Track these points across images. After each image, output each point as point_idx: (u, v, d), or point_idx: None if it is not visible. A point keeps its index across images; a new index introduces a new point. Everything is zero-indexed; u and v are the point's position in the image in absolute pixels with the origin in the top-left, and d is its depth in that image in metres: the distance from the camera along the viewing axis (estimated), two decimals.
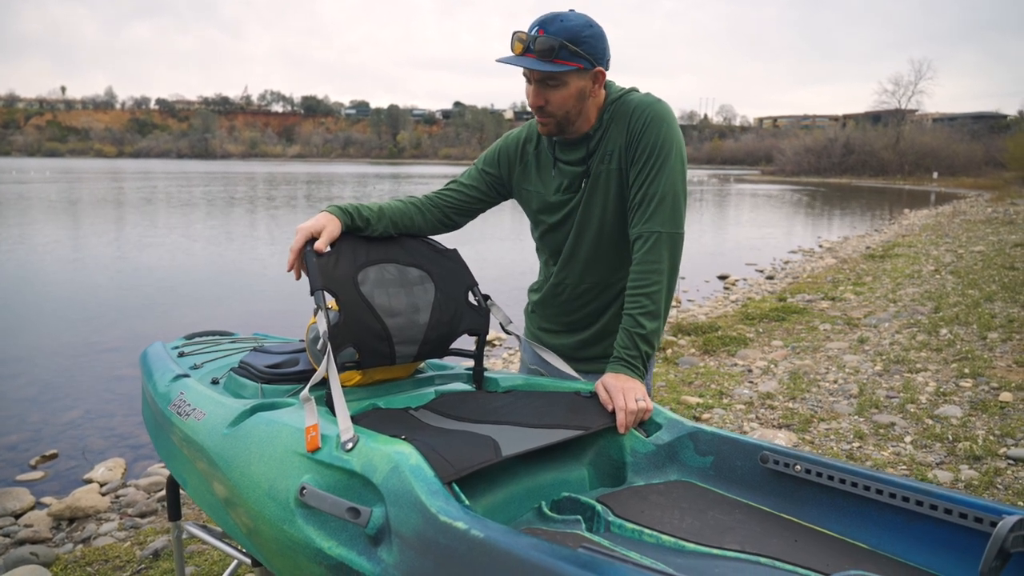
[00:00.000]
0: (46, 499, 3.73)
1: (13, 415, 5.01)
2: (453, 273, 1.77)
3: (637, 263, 1.65)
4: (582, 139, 1.72)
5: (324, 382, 1.45)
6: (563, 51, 1.57)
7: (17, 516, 3.53)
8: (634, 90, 1.74)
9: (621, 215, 1.75)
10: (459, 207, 1.89)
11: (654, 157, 1.64)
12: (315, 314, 1.52)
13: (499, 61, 1.62)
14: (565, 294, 1.88)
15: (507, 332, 1.84)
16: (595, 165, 1.73)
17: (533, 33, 1.58)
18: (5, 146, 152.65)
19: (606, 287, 1.83)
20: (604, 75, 1.66)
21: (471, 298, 1.78)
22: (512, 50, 1.61)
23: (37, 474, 4.10)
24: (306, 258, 1.56)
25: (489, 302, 1.80)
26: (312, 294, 1.51)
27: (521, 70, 1.65)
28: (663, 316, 1.66)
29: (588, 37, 1.59)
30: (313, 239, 1.60)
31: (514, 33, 1.60)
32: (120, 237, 15.00)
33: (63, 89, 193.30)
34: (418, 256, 1.75)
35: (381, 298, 1.62)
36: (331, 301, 1.56)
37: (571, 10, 1.62)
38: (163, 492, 3.69)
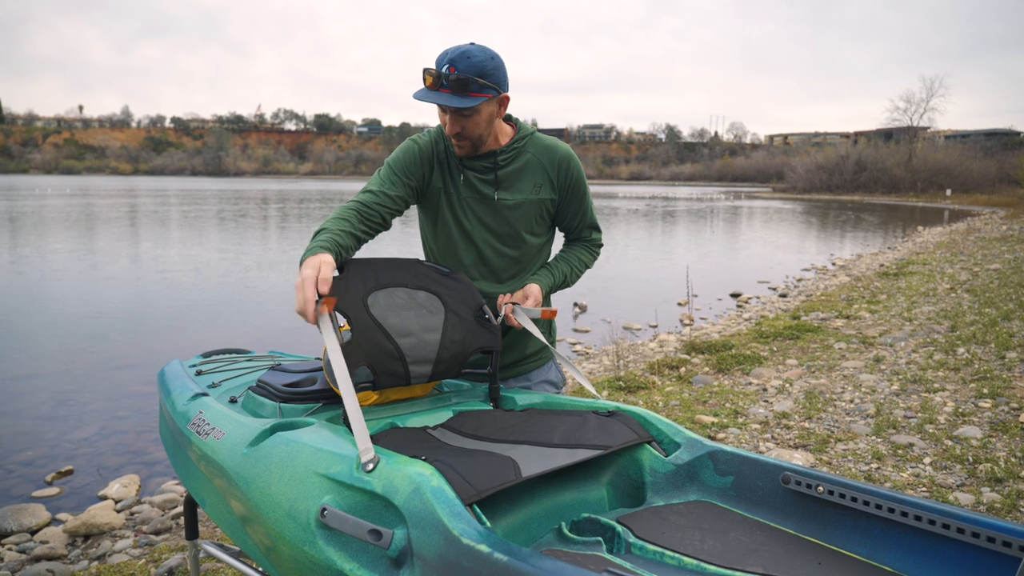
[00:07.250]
0: (62, 515, 3.75)
1: (29, 431, 5.05)
2: (460, 293, 1.81)
3: (585, 251, 2.10)
4: (488, 154, 1.91)
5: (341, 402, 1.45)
6: (473, 85, 1.73)
7: (33, 532, 3.55)
8: (539, 130, 2.03)
9: (525, 233, 1.95)
10: (388, 216, 1.90)
11: (582, 190, 2.03)
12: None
13: (417, 98, 1.76)
14: None
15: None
16: (519, 188, 1.93)
17: (444, 70, 1.72)
18: (23, 164, 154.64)
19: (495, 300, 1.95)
20: (508, 99, 1.85)
21: (481, 316, 1.82)
22: (424, 83, 1.75)
23: (53, 490, 4.12)
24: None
25: (499, 319, 1.85)
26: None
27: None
28: (565, 288, 2.08)
29: (493, 70, 1.75)
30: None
31: (425, 69, 1.75)
32: (135, 254, 15.15)
33: (80, 108, 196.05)
34: (425, 279, 1.79)
35: (392, 319, 1.65)
36: (343, 323, 1.58)
37: (472, 43, 1.76)
38: (178, 509, 3.69)
